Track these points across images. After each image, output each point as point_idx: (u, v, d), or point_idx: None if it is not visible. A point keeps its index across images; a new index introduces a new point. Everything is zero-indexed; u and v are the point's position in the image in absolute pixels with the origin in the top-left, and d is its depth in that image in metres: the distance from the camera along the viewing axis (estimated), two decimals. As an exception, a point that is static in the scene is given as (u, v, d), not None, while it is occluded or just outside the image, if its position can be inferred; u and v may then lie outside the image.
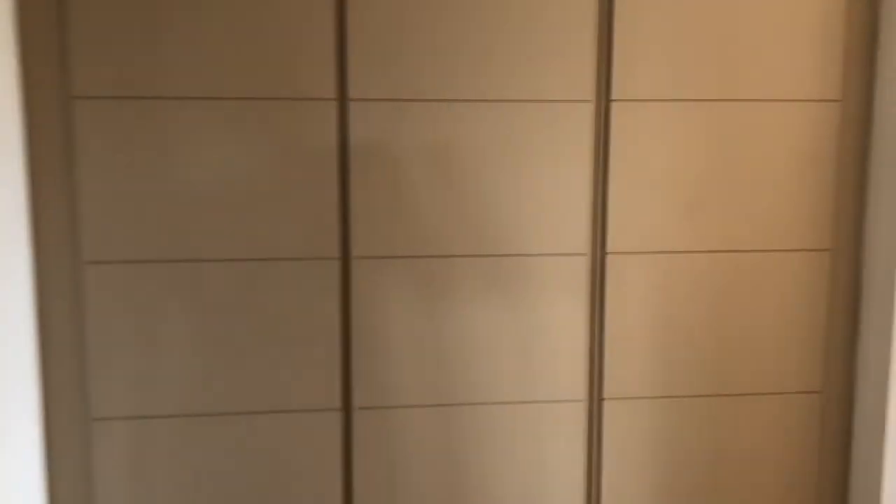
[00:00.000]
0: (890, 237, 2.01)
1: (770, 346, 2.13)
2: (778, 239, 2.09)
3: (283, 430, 2.03)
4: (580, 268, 2.06)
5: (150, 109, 1.89)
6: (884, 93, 2.02)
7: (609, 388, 2.11)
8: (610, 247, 2.05)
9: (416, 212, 2.00)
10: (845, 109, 2.06)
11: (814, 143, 2.06)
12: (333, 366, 2.02)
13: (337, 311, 2.00)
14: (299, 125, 1.94)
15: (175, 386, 1.99)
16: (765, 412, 2.16)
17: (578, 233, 2.04)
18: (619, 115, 2.00)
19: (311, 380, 2.02)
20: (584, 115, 2.00)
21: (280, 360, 2.01)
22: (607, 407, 2.12)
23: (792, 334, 2.13)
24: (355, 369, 2.03)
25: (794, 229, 2.09)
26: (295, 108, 1.93)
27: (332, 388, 2.03)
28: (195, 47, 1.88)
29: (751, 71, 2.03)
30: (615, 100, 2.00)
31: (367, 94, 1.94)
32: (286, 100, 1.93)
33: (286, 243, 1.97)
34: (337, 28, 1.92)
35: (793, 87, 2.04)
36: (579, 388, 2.11)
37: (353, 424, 2.05)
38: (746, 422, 2.16)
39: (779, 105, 2.04)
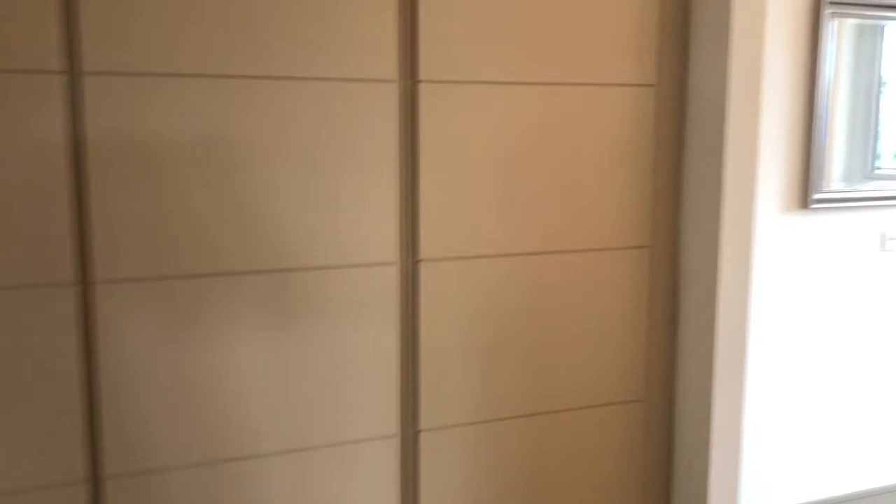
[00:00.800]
0: (705, 231, 1.91)
1: (593, 356, 1.97)
2: (598, 236, 1.93)
3: (4, 520, 1.50)
4: (388, 279, 1.74)
5: None
6: (697, 78, 1.92)
7: (426, 417, 1.81)
8: (423, 253, 1.75)
9: (180, 219, 1.58)
10: (660, 95, 1.94)
11: (630, 131, 1.92)
12: (74, 425, 1.53)
13: (75, 352, 1.51)
14: (11, 108, 1.42)
15: None
16: (589, 425, 1.99)
17: (384, 238, 1.73)
18: (428, 99, 1.71)
19: (43, 447, 1.52)
20: (388, 98, 1.69)
21: (-6, 427, 1.48)
22: (424, 440, 1.82)
23: (614, 342, 1.99)
24: (107, 427, 1.55)
25: (613, 225, 1.94)
26: (4, 85, 1.41)
27: (73, 454, 1.54)
28: None
29: (567, 54, 1.84)
30: (423, 80, 1.70)
31: (109, 66, 1.49)
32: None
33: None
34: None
35: (609, 70, 1.88)
36: (390, 422, 1.79)
37: (104, 499, 1.56)
38: (572, 437, 1.99)
39: (595, 90, 1.87)
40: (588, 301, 1.94)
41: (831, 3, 2.04)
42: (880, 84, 2.24)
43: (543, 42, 1.81)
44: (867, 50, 2.21)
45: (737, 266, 1.90)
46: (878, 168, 2.33)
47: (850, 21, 2.12)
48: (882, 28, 2.20)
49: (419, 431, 1.82)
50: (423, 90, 1.71)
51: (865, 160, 2.30)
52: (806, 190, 2.12)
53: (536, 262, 1.87)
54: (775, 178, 2.05)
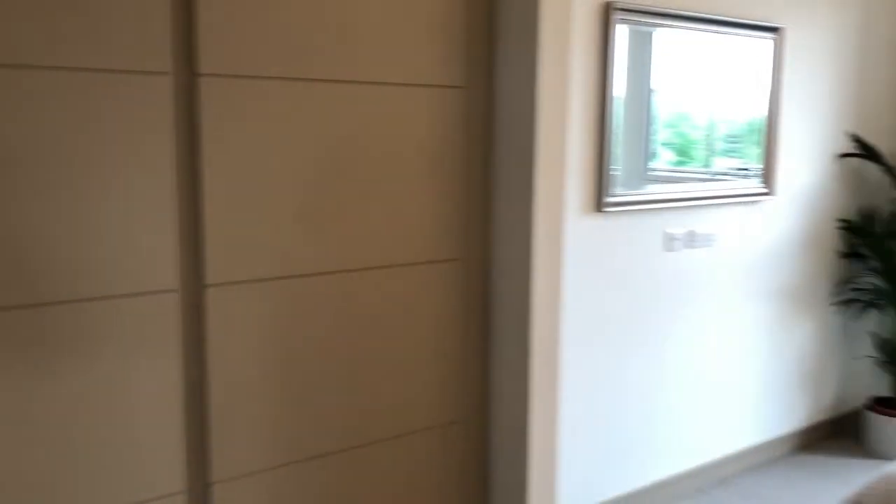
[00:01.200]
0: (518, 239, 1.83)
1: (406, 381, 1.83)
2: (407, 250, 1.78)
3: None
4: (168, 309, 1.47)
5: None
6: (505, 80, 1.82)
7: (218, 467, 1.56)
8: (210, 277, 1.49)
9: None
10: (470, 98, 1.82)
11: (440, 135, 1.79)
12: None
13: None
14: None
15: None
16: (406, 453, 1.85)
17: (162, 261, 1.47)
18: (211, 96, 1.46)
19: None
20: (161, 94, 1.41)
21: None
22: (218, 493, 1.57)
23: (427, 363, 1.85)
24: None
25: (422, 237, 1.80)
26: None
27: None
28: None
29: (371, 50, 1.68)
30: (203, 74, 1.44)
31: None
32: None
33: None
34: None
35: (415, 70, 1.74)
36: (175, 477, 1.53)
37: None
38: (388, 468, 1.83)
39: (402, 90, 1.72)
40: (399, 321, 1.78)
41: (619, 9, 2.06)
42: (650, 90, 2.32)
43: (344, 36, 1.62)
44: (640, 57, 2.27)
45: (549, 273, 1.84)
46: (652, 171, 2.42)
47: (630, 28, 2.15)
48: (651, 35, 2.26)
49: (211, 484, 1.56)
50: (205, 85, 1.45)
51: (642, 164, 2.38)
52: (600, 194, 2.13)
53: (340, 281, 1.68)
54: (572, 182, 2.03)
